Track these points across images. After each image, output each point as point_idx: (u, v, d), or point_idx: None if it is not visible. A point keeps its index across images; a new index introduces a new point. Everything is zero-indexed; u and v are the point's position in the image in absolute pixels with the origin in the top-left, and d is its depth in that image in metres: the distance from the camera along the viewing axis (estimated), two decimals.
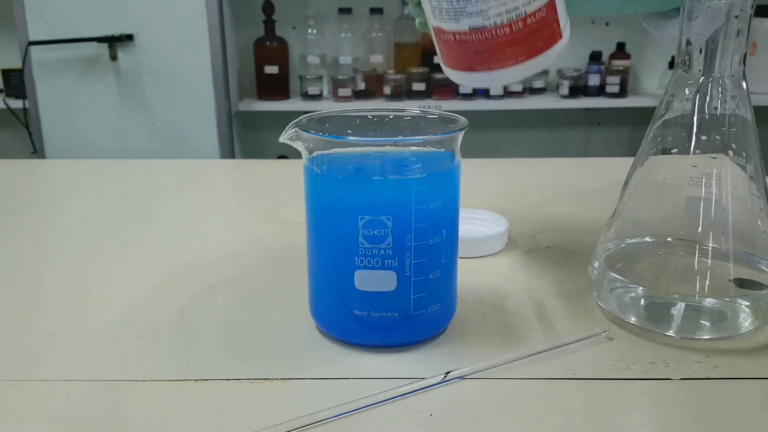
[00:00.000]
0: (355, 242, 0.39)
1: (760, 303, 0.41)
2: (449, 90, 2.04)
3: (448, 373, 0.38)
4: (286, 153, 1.88)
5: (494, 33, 0.41)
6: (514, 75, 0.42)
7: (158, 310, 0.47)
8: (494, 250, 0.56)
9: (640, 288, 0.43)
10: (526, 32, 0.41)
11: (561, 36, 0.42)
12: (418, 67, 2.06)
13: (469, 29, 0.41)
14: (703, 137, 0.42)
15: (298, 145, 0.40)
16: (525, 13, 0.40)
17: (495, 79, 0.43)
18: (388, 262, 0.39)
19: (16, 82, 2.03)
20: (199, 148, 1.94)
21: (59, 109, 1.92)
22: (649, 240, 0.45)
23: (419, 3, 0.44)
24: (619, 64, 2.11)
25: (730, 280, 0.41)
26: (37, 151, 1.94)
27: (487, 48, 0.41)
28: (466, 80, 0.44)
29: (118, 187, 0.81)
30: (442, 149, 0.41)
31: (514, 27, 0.40)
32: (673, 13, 0.55)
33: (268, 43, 2.05)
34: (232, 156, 2.01)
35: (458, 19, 0.41)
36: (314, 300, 0.43)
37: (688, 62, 0.41)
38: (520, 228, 0.61)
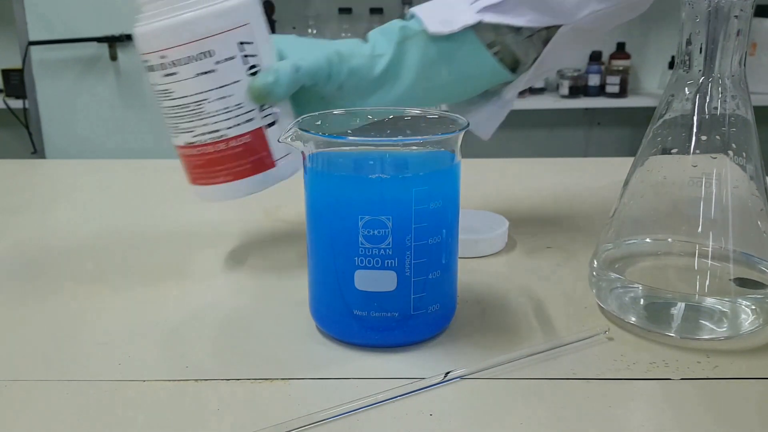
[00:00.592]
0: (355, 242, 0.39)
1: (760, 303, 0.41)
2: None
3: (448, 373, 0.38)
4: None
5: (202, 150, 0.47)
6: (229, 192, 0.48)
7: (158, 309, 0.47)
8: (494, 250, 0.56)
9: (640, 288, 0.43)
10: (230, 154, 0.47)
11: (273, 165, 0.48)
12: None
13: (184, 144, 0.48)
14: (703, 137, 0.42)
15: (298, 145, 0.40)
16: (227, 136, 0.46)
17: (214, 194, 0.48)
18: (388, 262, 0.39)
19: (16, 82, 2.03)
20: None
21: (59, 109, 1.92)
22: (649, 240, 0.45)
23: None
24: (619, 64, 2.11)
25: (730, 280, 0.41)
26: (37, 151, 1.94)
27: (200, 163, 0.48)
28: (197, 194, 0.50)
29: (118, 187, 0.81)
30: (442, 149, 0.41)
31: (218, 147, 0.47)
32: (477, 100, 0.56)
33: None
34: None
35: (177, 135, 0.48)
36: (314, 300, 0.43)
37: (688, 62, 0.41)
38: (520, 228, 0.61)
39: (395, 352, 0.41)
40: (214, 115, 0.46)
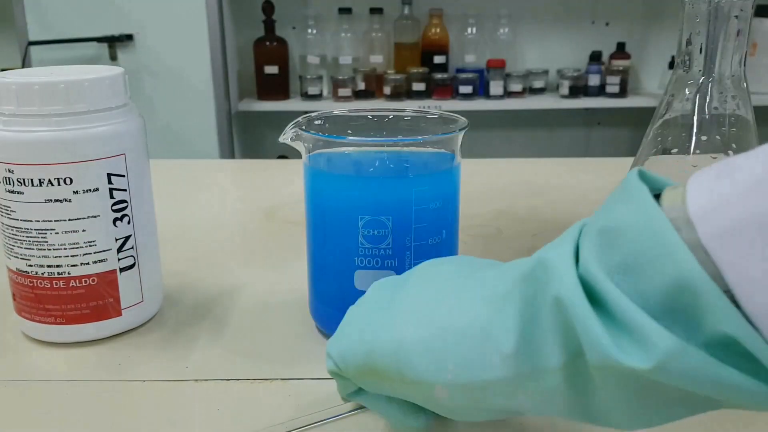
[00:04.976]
0: (355, 242, 0.39)
1: None
2: (449, 90, 2.04)
3: None
4: (286, 153, 1.88)
5: (35, 283, 0.41)
6: (56, 335, 0.42)
7: (158, 309, 0.47)
8: None
9: None
10: (69, 294, 0.41)
11: (119, 314, 0.42)
12: (418, 67, 2.06)
13: (16, 270, 0.41)
14: (703, 137, 0.42)
15: (298, 145, 0.40)
16: (69, 275, 0.40)
17: (38, 333, 0.42)
18: (388, 262, 0.39)
19: None
20: (199, 148, 1.94)
21: None
22: None
23: None
24: (619, 64, 2.11)
25: None
26: None
27: (30, 296, 0.41)
28: (20, 326, 0.43)
29: None
30: (442, 149, 0.41)
31: (56, 284, 0.40)
32: None
33: (268, 43, 2.05)
34: (232, 156, 2.01)
35: (10, 258, 0.41)
36: (314, 300, 0.43)
37: (688, 62, 0.41)
38: (520, 228, 0.61)
39: None
40: (57, 249, 0.40)
